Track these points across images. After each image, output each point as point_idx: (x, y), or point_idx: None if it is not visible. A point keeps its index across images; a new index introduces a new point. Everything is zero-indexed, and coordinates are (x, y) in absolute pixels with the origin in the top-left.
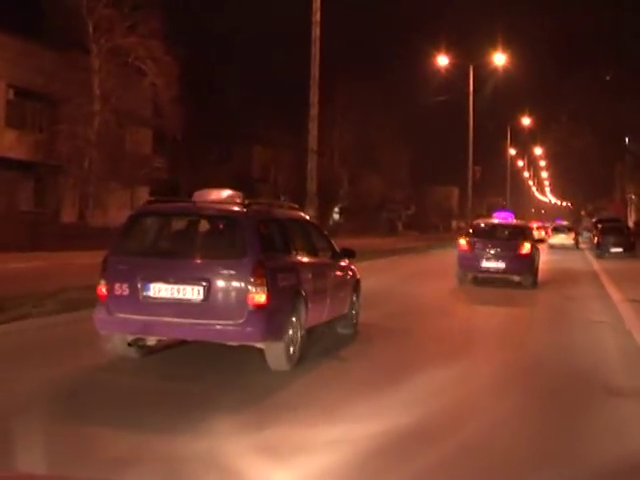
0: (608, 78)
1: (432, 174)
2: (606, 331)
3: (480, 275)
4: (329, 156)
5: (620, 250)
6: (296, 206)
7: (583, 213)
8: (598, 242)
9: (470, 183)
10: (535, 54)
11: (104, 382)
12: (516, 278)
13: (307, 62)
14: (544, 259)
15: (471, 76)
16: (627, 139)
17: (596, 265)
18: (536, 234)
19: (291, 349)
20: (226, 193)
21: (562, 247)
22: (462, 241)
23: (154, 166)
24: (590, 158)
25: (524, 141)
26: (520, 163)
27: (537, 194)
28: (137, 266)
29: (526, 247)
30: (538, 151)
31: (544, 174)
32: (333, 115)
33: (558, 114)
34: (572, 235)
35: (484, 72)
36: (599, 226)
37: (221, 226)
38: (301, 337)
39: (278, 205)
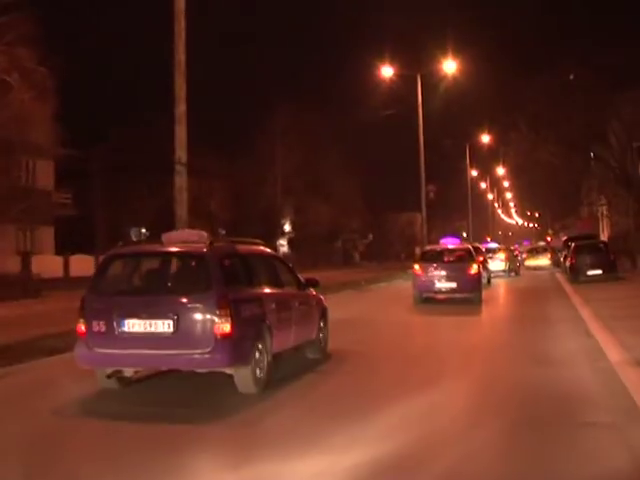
0: (572, 77)
1: (394, 201)
2: (616, 455)
3: (434, 295)
4: (271, 184)
5: (599, 272)
6: (259, 241)
7: (550, 232)
8: (571, 264)
9: (424, 204)
10: (490, 62)
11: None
12: (466, 296)
13: (242, 89)
14: (506, 288)
15: (419, 86)
16: (592, 154)
17: (572, 295)
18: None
19: (258, 373)
20: (191, 233)
21: (539, 268)
22: (416, 266)
23: (56, 202)
24: (555, 169)
25: (485, 161)
26: (483, 185)
27: (503, 216)
28: (112, 304)
29: (474, 268)
30: (501, 171)
31: (509, 195)
32: (273, 141)
33: (518, 123)
34: (549, 256)
35: (435, 83)
36: (571, 245)
37: (187, 263)
38: (268, 362)
39: (242, 241)
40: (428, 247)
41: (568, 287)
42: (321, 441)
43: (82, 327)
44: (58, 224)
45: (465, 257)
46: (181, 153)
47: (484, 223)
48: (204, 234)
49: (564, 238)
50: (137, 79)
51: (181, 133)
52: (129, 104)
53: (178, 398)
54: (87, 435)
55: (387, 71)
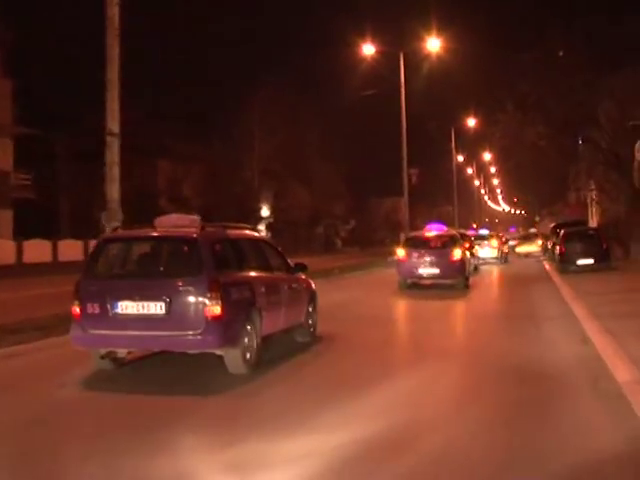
0: (561, 54)
1: (378, 186)
2: None
3: (417, 281)
4: (249, 168)
5: (590, 262)
6: (250, 227)
7: (537, 219)
8: (561, 252)
9: (406, 188)
10: (476, 39)
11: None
12: (449, 281)
13: (219, 69)
14: (492, 277)
15: (402, 64)
16: (581, 135)
17: (562, 286)
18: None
19: (247, 354)
20: (183, 218)
21: (530, 255)
22: (400, 251)
23: (15, 184)
24: (542, 151)
25: (472, 146)
26: (470, 170)
27: (490, 203)
28: (106, 287)
29: (457, 254)
30: (487, 156)
31: (495, 182)
32: (251, 123)
33: (504, 103)
34: (539, 243)
35: (419, 62)
36: (560, 232)
37: (179, 248)
38: (257, 344)
39: (233, 227)
40: (412, 233)
41: (557, 277)
42: (308, 420)
43: (77, 309)
44: (18, 207)
45: (449, 243)
46: (112, 124)
47: (470, 210)
48: (196, 219)
49: (552, 225)
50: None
51: (112, 101)
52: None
53: (170, 379)
54: (83, 412)
55: (369, 49)
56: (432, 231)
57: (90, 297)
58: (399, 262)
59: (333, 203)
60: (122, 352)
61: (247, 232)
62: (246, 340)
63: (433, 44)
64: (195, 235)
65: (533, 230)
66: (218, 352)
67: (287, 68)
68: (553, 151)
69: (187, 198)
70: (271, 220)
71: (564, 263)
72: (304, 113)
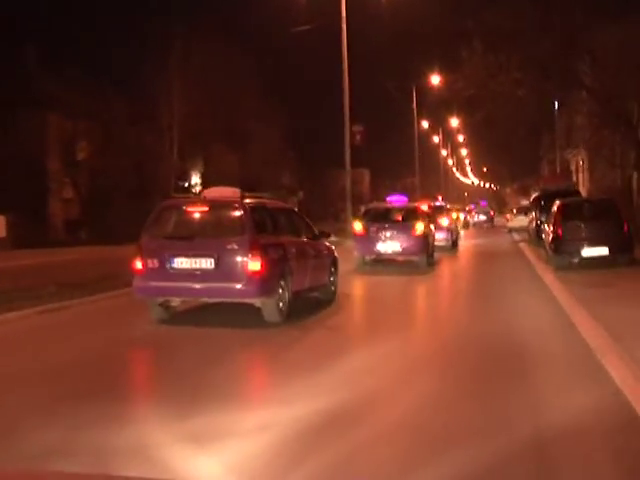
0: None
1: (335, 155)
2: None
3: (378, 257)
4: (167, 127)
5: (603, 252)
6: (280, 199)
7: (508, 191)
8: (557, 236)
9: (347, 148)
10: None
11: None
12: (414, 258)
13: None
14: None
15: None
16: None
17: (575, 310)
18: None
19: (281, 306)
20: (227, 190)
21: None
22: (357, 226)
23: None
24: (518, 102)
25: (437, 108)
26: (436, 139)
27: (458, 175)
28: (164, 245)
29: (419, 228)
30: (455, 123)
31: (464, 152)
32: (168, 74)
33: (470, 37)
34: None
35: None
36: (551, 204)
37: (225, 213)
38: (289, 297)
39: (267, 198)
40: (371, 205)
41: (553, 280)
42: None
43: (139, 264)
44: None
45: (411, 217)
46: None
47: (437, 182)
48: (237, 190)
49: (534, 195)
50: None
51: None
52: None
53: (215, 325)
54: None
55: None
56: (392, 203)
57: (150, 254)
58: (356, 237)
59: (278, 172)
60: (176, 302)
61: (280, 203)
62: (280, 293)
63: None
64: (239, 203)
65: (525, 202)
66: (257, 304)
67: (209, 5)
68: (532, 102)
69: (83, 161)
70: (197, 190)
71: (561, 253)
72: (238, 61)
